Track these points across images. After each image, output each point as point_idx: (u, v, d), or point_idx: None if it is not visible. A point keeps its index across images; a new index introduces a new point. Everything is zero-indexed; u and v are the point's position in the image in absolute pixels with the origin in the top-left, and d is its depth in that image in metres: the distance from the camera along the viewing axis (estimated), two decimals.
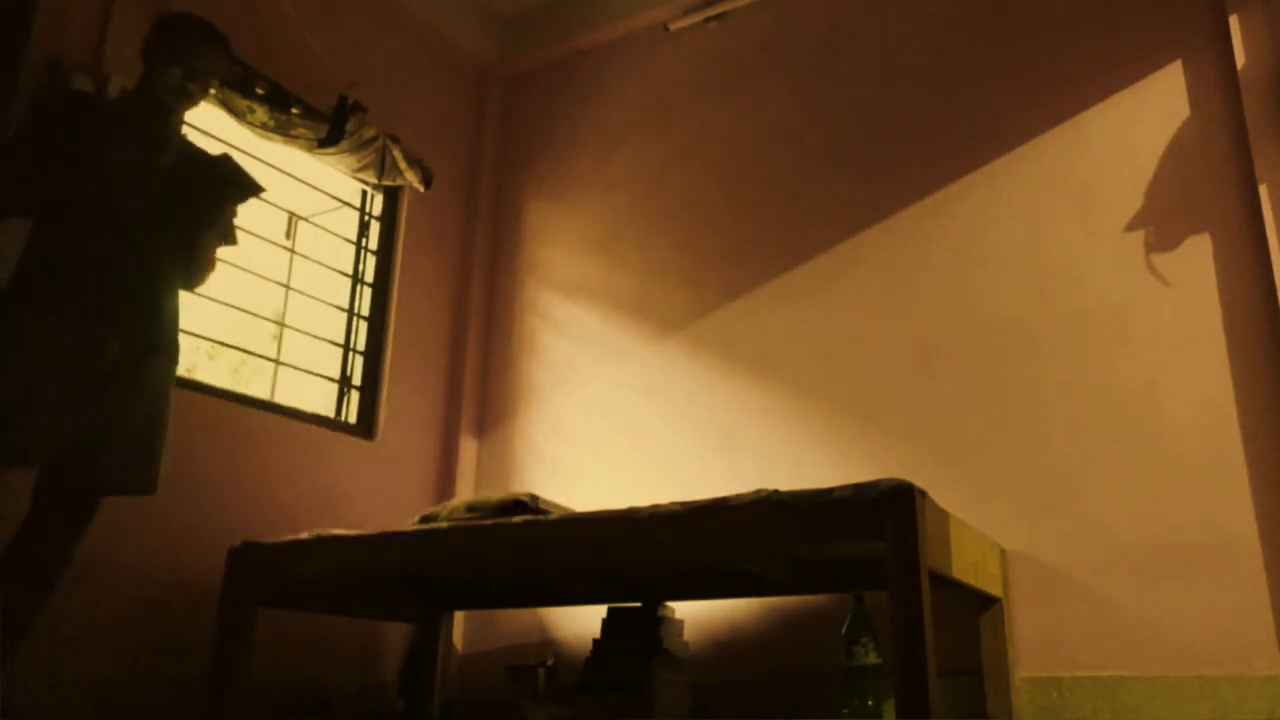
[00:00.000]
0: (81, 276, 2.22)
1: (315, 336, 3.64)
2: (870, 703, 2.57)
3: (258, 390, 3.40)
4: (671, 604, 2.97)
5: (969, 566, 2.39)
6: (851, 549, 2.31)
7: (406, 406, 3.80)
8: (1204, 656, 2.49)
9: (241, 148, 3.39)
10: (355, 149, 3.59)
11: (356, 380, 3.74)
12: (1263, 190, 2.67)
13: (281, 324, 3.52)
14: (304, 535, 2.84)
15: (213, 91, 3.20)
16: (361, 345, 3.78)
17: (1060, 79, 3.11)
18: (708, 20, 3.92)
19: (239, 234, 2.56)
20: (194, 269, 2.47)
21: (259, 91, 3.30)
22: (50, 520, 2.21)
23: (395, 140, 3.74)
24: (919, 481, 2.08)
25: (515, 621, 3.55)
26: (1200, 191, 2.81)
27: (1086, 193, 2.98)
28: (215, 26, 2.48)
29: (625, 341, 3.72)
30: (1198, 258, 2.77)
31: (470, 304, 4.11)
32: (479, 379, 4.06)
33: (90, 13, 2.93)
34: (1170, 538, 2.60)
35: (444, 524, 2.73)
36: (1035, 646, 2.69)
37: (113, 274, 2.27)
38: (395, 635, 3.55)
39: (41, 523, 2.20)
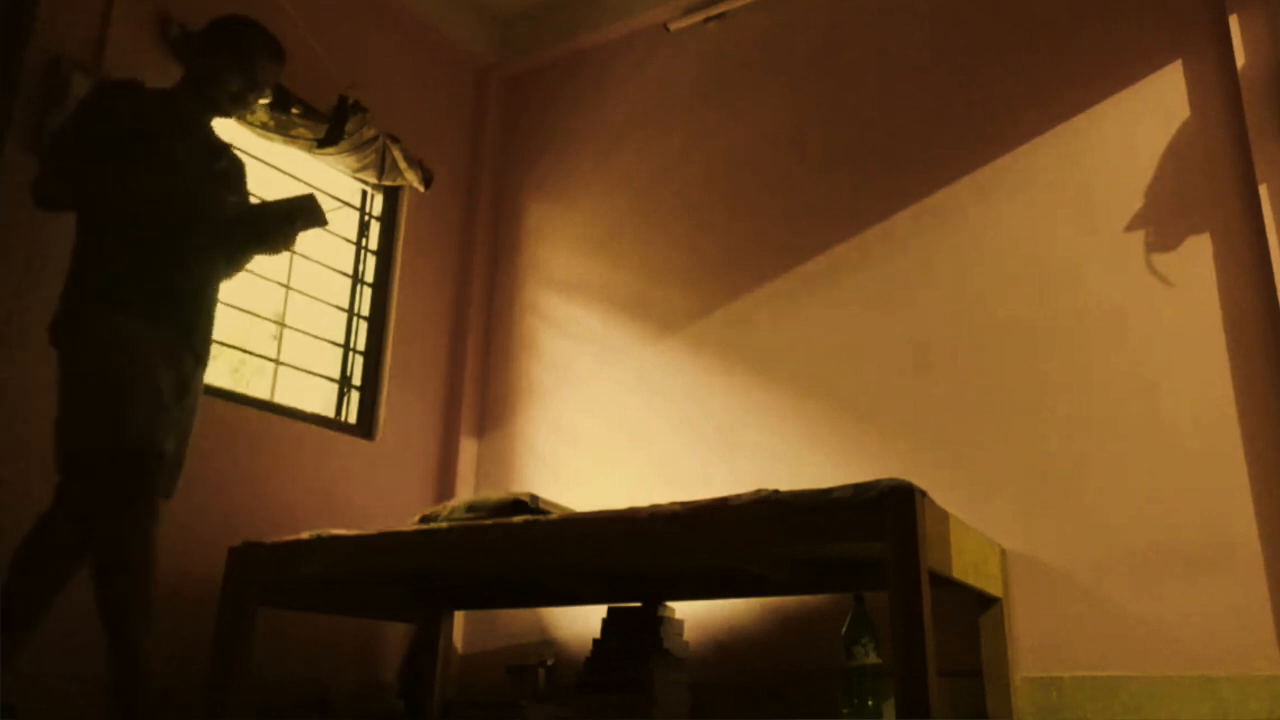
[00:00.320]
0: (163, 284, 2.20)
1: (315, 336, 3.64)
2: (870, 703, 2.57)
3: (258, 390, 3.40)
4: (671, 604, 2.97)
5: (969, 566, 2.39)
6: (851, 549, 2.31)
7: (406, 406, 3.80)
8: (1204, 656, 2.49)
9: (242, 147, 3.39)
10: (355, 149, 3.59)
11: (356, 380, 3.74)
12: (1263, 190, 2.67)
13: (281, 324, 3.52)
14: (304, 535, 2.84)
15: None
16: (361, 345, 3.78)
17: (1060, 80, 3.11)
18: (708, 20, 3.92)
19: None
20: (228, 276, 2.47)
21: None
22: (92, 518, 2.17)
23: (395, 140, 3.74)
24: (919, 481, 2.08)
25: (515, 621, 3.55)
26: (1200, 191, 2.81)
27: (1086, 193, 2.98)
28: (279, 42, 2.46)
29: (625, 341, 3.72)
30: (1198, 258, 2.77)
31: (470, 304, 4.11)
32: (479, 379, 4.06)
33: (90, 13, 2.93)
34: (1170, 538, 2.60)
35: (444, 524, 2.73)
36: (1035, 646, 2.69)
37: (186, 282, 2.26)
38: (395, 635, 3.55)
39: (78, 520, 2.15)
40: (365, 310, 3.82)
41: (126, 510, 2.07)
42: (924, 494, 2.06)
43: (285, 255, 3.53)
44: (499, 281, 4.20)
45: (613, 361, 3.73)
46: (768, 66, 3.75)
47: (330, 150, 3.52)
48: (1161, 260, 2.82)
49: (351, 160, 3.61)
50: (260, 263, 3.44)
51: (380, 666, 3.51)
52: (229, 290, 3.29)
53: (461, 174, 4.27)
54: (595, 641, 2.93)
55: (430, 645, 3.40)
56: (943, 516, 2.22)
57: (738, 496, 2.25)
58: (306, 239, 3.63)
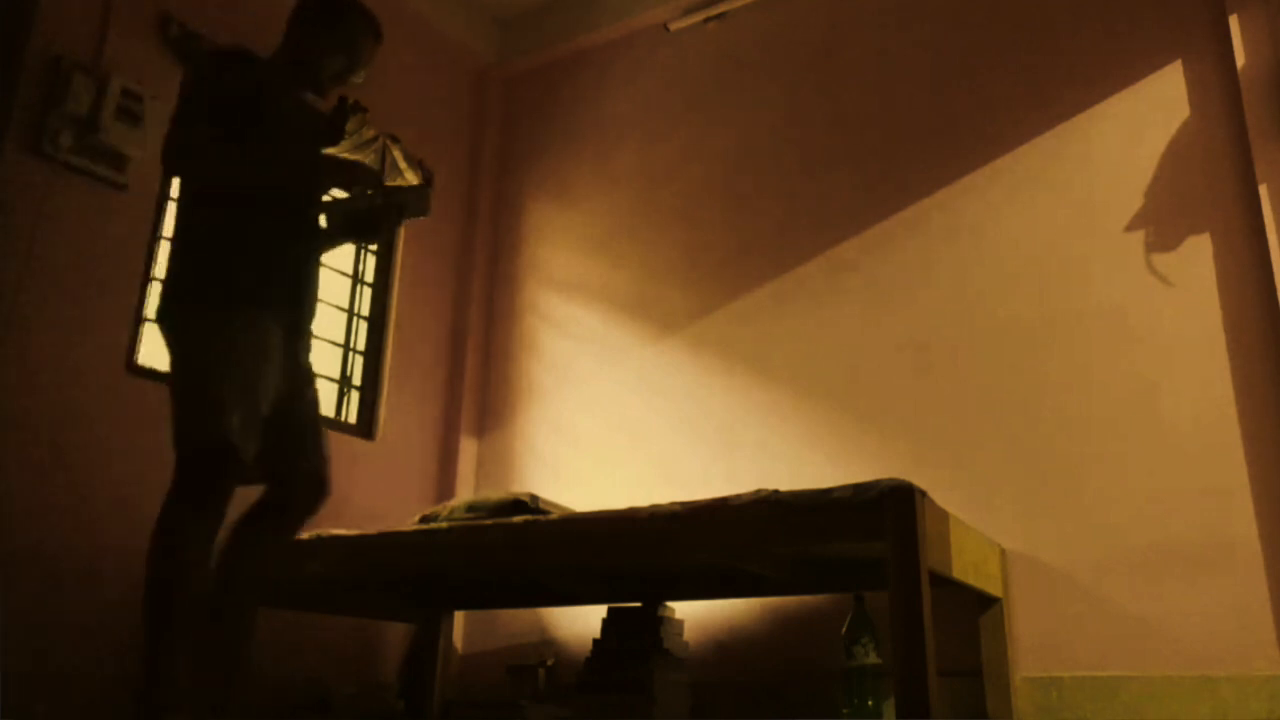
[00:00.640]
0: (275, 270, 2.13)
1: (315, 336, 3.63)
2: (870, 703, 2.57)
3: None
4: (671, 604, 2.97)
5: (969, 566, 2.39)
6: (851, 549, 2.31)
7: (406, 406, 3.80)
8: (1204, 656, 2.49)
9: None
10: (355, 149, 3.59)
11: (356, 380, 3.74)
12: (1263, 190, 2.67)
13: None
14: (304, 535, 2.84)
15: None
16: (361, 345, 3.78)
17: (1060, 80, 3.11)
18: (708, 20, 3.92)
19: None
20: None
21: None
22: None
23: (395, 140, 3.74)
24: (919, 481, 2.08)
25: (515, 621, 3.55)
26: (1200, 191, 2.81)
27: (1086, 193, 2.98)
28: (378, 20, 2.38)
29: (625, 341, 3.72)
30: (1198, 258, 2.77)
31: (470, 304, 4.11)
32: (479, 379, 4.06)
33: (90, 13, 2.93)
34: (1170, 538, 2.60)
35: (444, 524, 2.73)
36: (1035, 646, 2.69)
37: (297, 267, 2.20)
38: (395, 635, 3.55)
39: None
40: (365, 310, 3.82)
41: (193, 501, 2.01)
42: (924, 494, 2.06)
43: None
44: (499, 281, 4.20)
45: (613, 361, 3.73)
46: (768, 66, 3.75)
47: (330, 150, 3.51)
48: (1161, 260, 2.82)
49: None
50: None
51: (380, 666, 3.51)
52: None
53: (461, 174, 4.27)
54: (595, 641, 2.93)
55: (430, 645, 3.40)
56: (943, 516, 2.22)
57: (738, 496, 2.25)
58: None
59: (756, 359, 3.40)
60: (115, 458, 2.83)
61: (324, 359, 3.69)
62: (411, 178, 3.81)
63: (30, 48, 2.75)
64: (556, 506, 2.85)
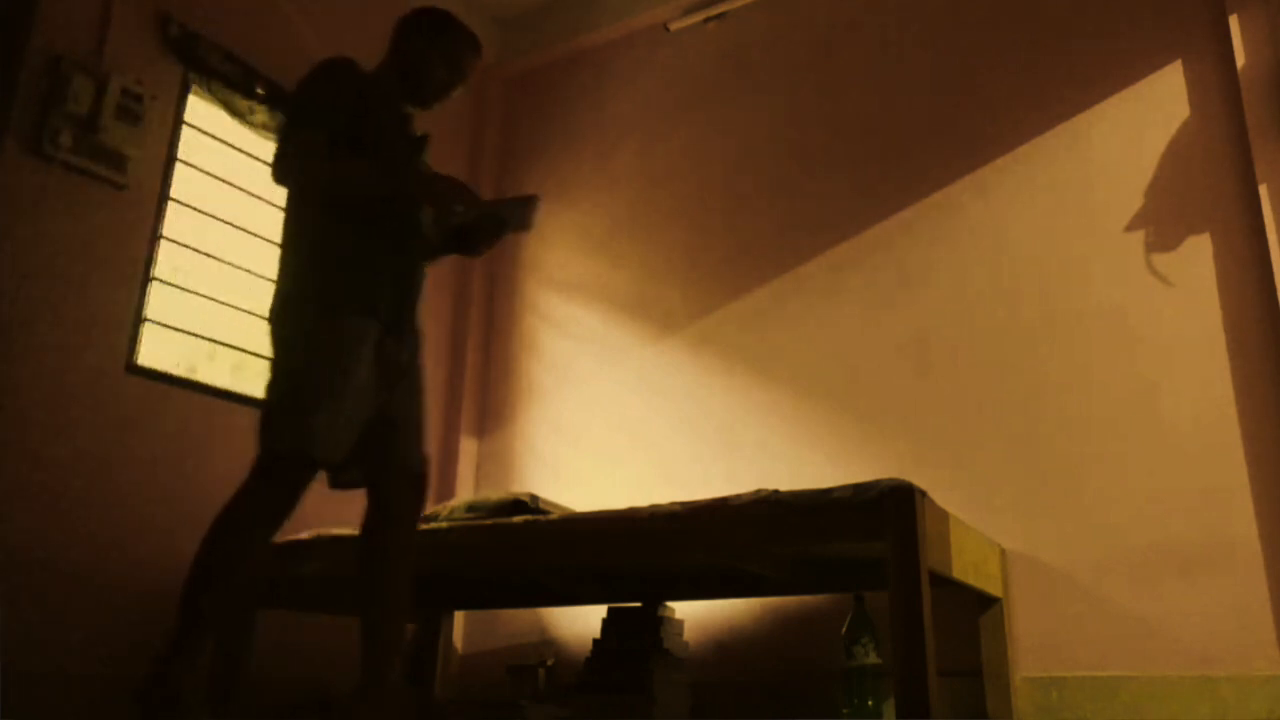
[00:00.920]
0: (383, 280, 2.17)
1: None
2: (870, 703, 2.57)
3: (258, 390, 3.39)
4: (671, 604, 2.97)
5: (969, 566, 2.39)
6: (851, 549, 2.31)
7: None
8: (1204, 656, 2.49)
9: (242, 147, 3.39)
10: None
11: None
12: (1263, 190, 2.67)
13: None
14: (304, 535, 2.85)
15: (213, 91, 3.21)
16: None
17: (1060, 80, 3.11)
18: (708, 20, 3.92)
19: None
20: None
21: (259, 91, 3.30)
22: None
23: None
24: (919, 481, 2.08)
25: (515, 621, 3.55)
26: (1200, 191, 2.81)
27: (1086, 193, 2.98)
28: (476, 35, 2.42)
29: (625, 341, 3.72)
30: (1198, 258, 2.77)
31: (470, 304, 4.11)
32: (479, 379, 4.06)
33: (90, 13, 2.93)
34: (1170, 538, 2.60)
35: (444, 524, 2.73)
36: (1035, 646, 2.69)
37: (405, 276, 2.23)
38: None
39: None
40: None
41: (263, 498, 2.06)
42: (924, 494, 2.06)
43: None
44: (499, 281, 4.20)
45: (613, 361, 3.73)
46: (768, 67, 3.75)
47: None
48: (1161, 260, 2.82)
49: None
50: (260, 263, 3.44)
51: None
52: (229, 291, 3.30)
53: (461, 174, 4.25)
54: (595, 641, 2.93)
55: (430, 645, 3.40)
56: (943, 516, 2.22)
57: (738, 496, 2.25)
58: None
59: (756, 359, 3.40)
60: (115, 458, 2.83)
61: None
62: None
63: (30, 48, 2.75)
64: (556, 506, 2.85)
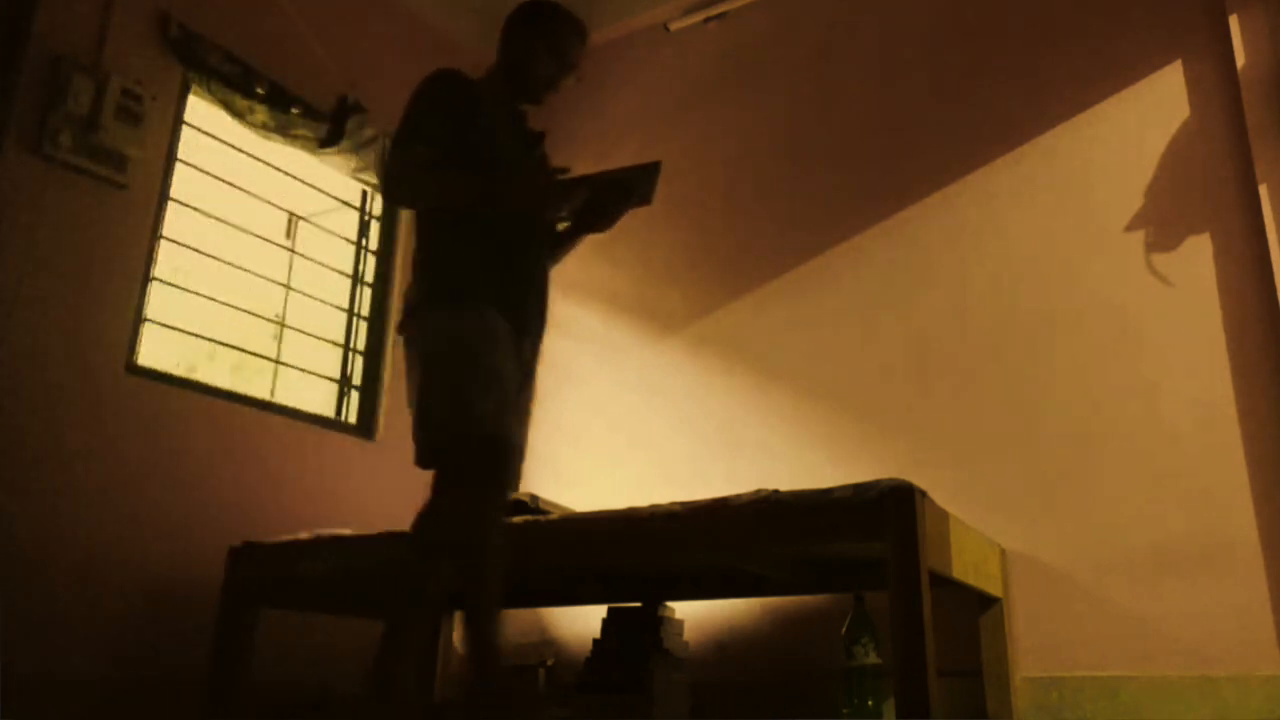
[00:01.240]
0: (510, 274, 2.17)
1: (315, 336, 3.64)
2: (870, 703, 2.57)
3: (258, 390, 3.40)
4: (671, 604, 2.97)
5: (969, 566, 2.39)
6: (851, 549, 2.31)
7: (406, 407, 3.79)
8: (1204, 656, 2.48)
9: (242, 148, 3.39)
10: (355, 149, 3.59)
11: (356, 380, 3.74)
12: (1263, 190, 2.67)
13: (281, 324, 3.52)
14: (304, 535, 2.85)
15: (213, 91, 3.21)
16: (361, 345, 3.78)
17: (1060, 80, 3.11)
18: (708, 20, 3.92)
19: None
20: (555, 261, 2.41)
21: (259, 91, 3.30)
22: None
23: None
24: (919, 481, 2.08)
25: (515, 621, 3.55)
26: (1200, 191, 2.81)
27: (1086, 193, 2.98)
28: (582, 21, 2.40)
29: (625, 341, 3.72)
30: (1198, 258, 2.77)
31: None
32: None
33: (90, 13, 2.93)
34: (1170, 538, 2.60)
35: None
36: (1035, 646, 2.68)
37: (529, 270, 2.24)
38: None
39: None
40: (365, 310, 3.82)
41: (479, 498, 2.04)
42: (924, 494, 2.06)
43: (285, 255, 3.54)
44: None
45: (613, 361, 3.72)
46: (768, 66, 3.75)
47: (330, 150, 3.52)
48: (1161, 260, 2.82)
49: (352, 160, 3.61)
50: (260, 263, 3.45)
51: None
52: (228, 291, 3.30)
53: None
54: (595, 641, 2.93)
55: (430, 645, 3.39)
56: (943, 516, 2.22)
57: (738, 496, 2.24)
58: (306, 239, 3.65)
59: (756, 359, 3.40)
60: (115, 458, 2.83)
61: (324, 359, 3.69)
62: None
63: (30, 48, 2.75)
64: (556, 506, 2.85)
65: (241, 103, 3.25)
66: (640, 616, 2.89)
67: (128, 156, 2.92)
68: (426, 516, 2.03)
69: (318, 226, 3.72)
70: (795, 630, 3.02)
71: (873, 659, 2.62)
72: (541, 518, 2.59)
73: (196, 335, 3.19)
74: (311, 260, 3.64)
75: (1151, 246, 2.84)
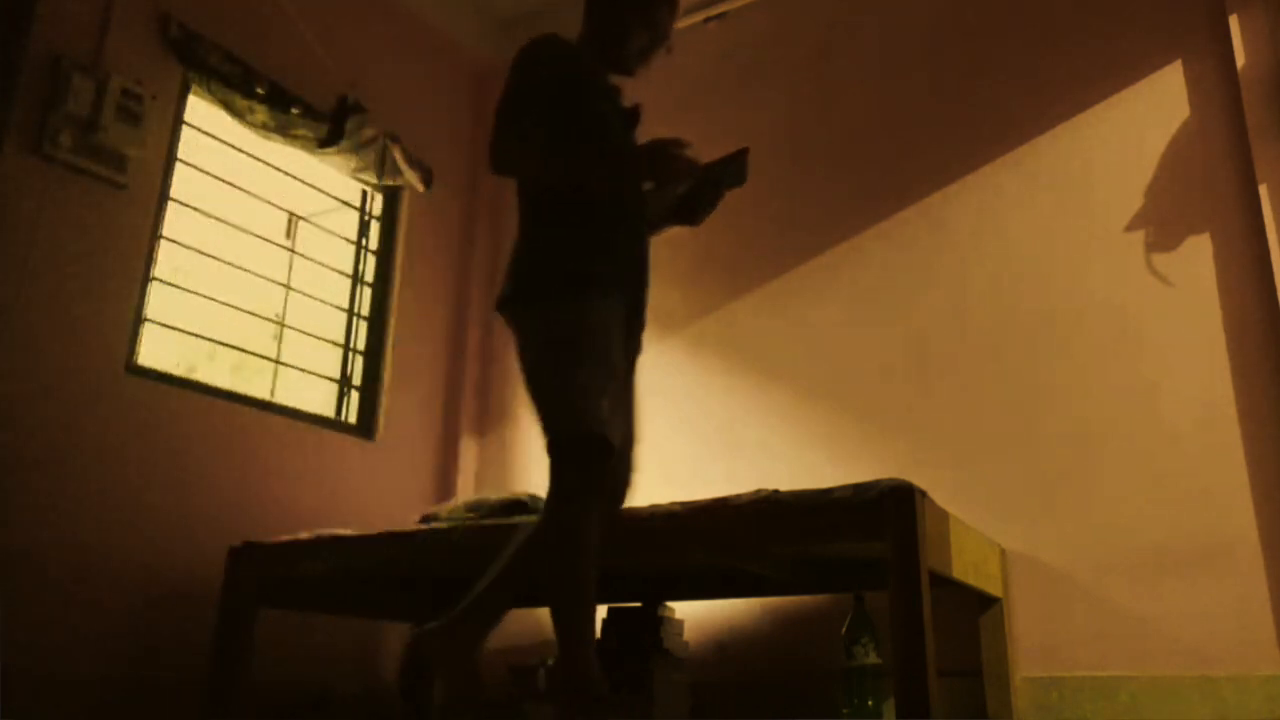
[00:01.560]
0: (617, 256, 2.09)
1: (315, 336, 3.64)
2: (870, 703, 2.57)
3: (258, 390, 3.40)
4: (671, 604, 2.97)
5: (969, 566, 2.39)
6: (851, 549, 2.31)
7: (406, 406, 3.80)
8: (1204, 656, 2.49)
9: (242, 148, 3.39)
10: (355, 149, 3.59)
11: (356, 380, 3.74)
12: (1263, 190, 2.67)
13: (281, 324, 3.52)
14: (304, 535, 2.85)
15: (213, 91, 3.21)
16: (361, 345, 3.78)
17: (1060, 80, 3.11)
18: (708, 20, 3.92)
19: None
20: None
21: (259, 91, 3.30)
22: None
23: (395, 140, 3.74)
24: (919, 481, 2.08)
25: (515, 621, 3.53)
26: (1200, 191, 2.81)
27: (1086, 193, 2.98)
28: None
29: None
30: (1198, 258, 2.77)
31: (470, 304, 4.11)
32: (479, 379, 4.05)
33: (90, 13, 2.93)
34: (1170, 538, 2.60)
35: (444, 524, 2.73)
36: (1035, 646, 2.68)
37: (635, 252, 2.16)
38: (395, 635, 3.54)
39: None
40: (365, 310, 3.82)
41: (580, 493, 1.97)
42: (924, 494, 2.06)
43: (285, 255, 3.54)
44: (499, 282, 4.17)
45: None
46: (767, 66, 3.75)
47: (330, 150, 3.52)
48: (1161, 260, 2.82)
49: (352, 160, 3.61)
50: (260, 263, 3.44)
51: (380, 667, 3.51)
52: (228, 291, 3.29)
53: (461, 174, 4.26)
54: (595, 641, 2.92)
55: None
56: (943, 516, 2.22)
57: (738, 496, 2.24)
58: (306, 239, 3.65)
59: (756, 359, 3.40)
60: (115, 458, 2.83)
61: (324, 359, 3.69)
62: (412, 177, 3.80)
63: (30, 48, 2.74)
64: None
65: (241, 103, 3.25)
66: (640, 616, 2.89)
67: (128, 156, 2.92)
68: (549, 519, 1.97)
69: (318, 226, 3.72)
70: (795, 630, 3.02)
71: (873, 659, 2.62)
72: None
73: (196, 335, 3.19)
74: (311, 260, 3.64)
75: (1151, 246, 2.84)
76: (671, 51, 2.34)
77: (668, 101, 3.95)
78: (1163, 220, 2.84)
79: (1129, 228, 2.88)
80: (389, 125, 3.74)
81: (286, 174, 3.57)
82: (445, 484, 3.84)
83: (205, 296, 3.21)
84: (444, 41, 4.24)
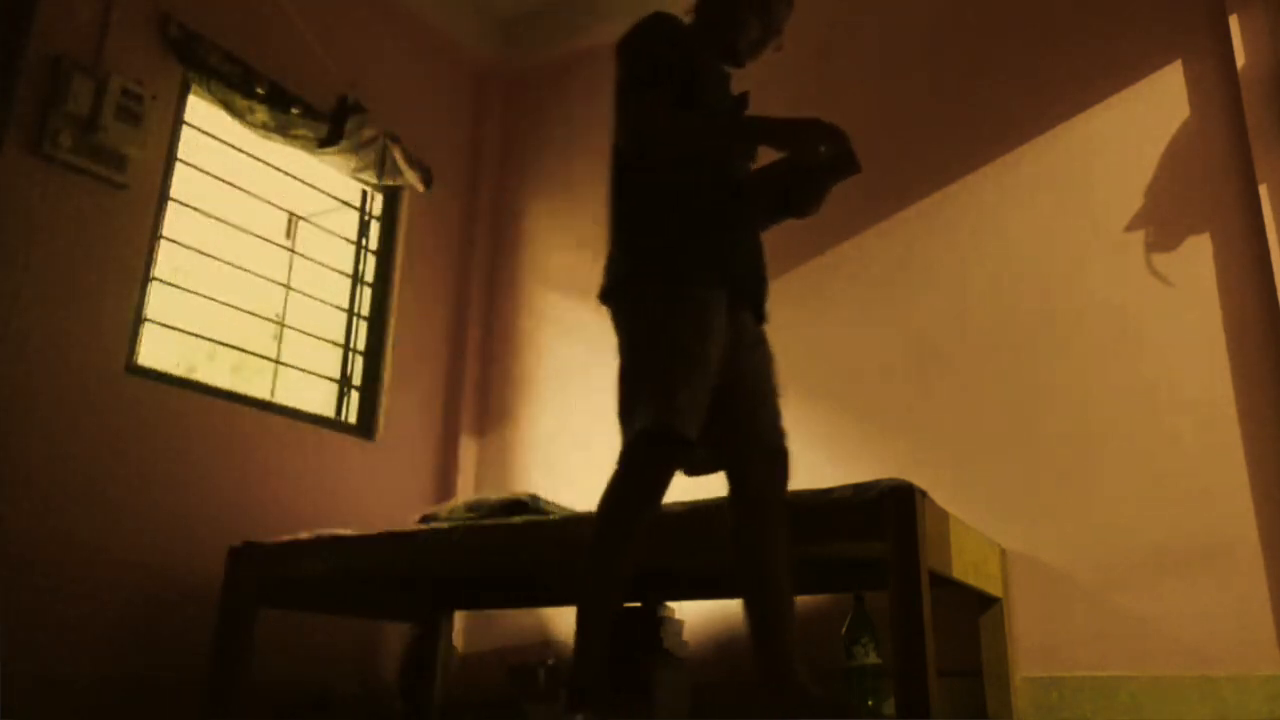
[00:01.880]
0: (724, 245, 2.05)
1: (315, 336, 3.64)
2: (870, 703, 2.57)
3: (258, 390, 3.40)
4: (671, 604, 2.97)
5: (969, 566, 2.39)
6: (851, 549, 2.31)
7: (406, 406, 3.80)
8: (1204, 656, 2.49)
9: (242, 148, 3.39)
10: (355, 149, 3.59)
11: (356, 380, 3.74)
12: (1263, 190, 2.67)
13: (281, 324, 3.52)
14: (304, 535, 2.85)
15: (213, 91, 3.21)
16: (361, 345, 3.78)
17: (1060, 80, 3.11)
18: None
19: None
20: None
21: (259, 91, 3.30)
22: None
23: (395, 140, 3.74)
24: (919, 481, 2.07)
25: (515, 621, 3.55)
26: (1200, 191, 2.81)
27: (1086, 193, 2.98)
28: None
29: None
30: (1198, 258, 2.77)
31: (470, 304, 4.11)
32: (479, 379, 4.05)
33: (90, 13, 2.93)
34: (1170, 538, 2.60)
35: (444, 524, 2.73)
36: (1035, 646, 2.69)
37: (744, 240, 2.11)
38: (395, 635, 3.55)
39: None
40: (365, 310, 3.82)
41: (635, 493, 1.95)
42: (924, 494, 2.06)
43: (285, 255, 3.54)
44: (499, 281, 4.19)
45: (613, 362, 3.71)
46: (767, 66, 3.73)
47: (330, 150, 3.52)
48: (1161, 260, 2.82)
49: (351, 160, 3.61)
50: (260, 263, 3.44)
51: (380, 666, 3.51)
52: (228, 291, 3.29)
53: (461, 174, 4.26)
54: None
55: (430, 645, 3.39)
56: (943, 516, 2.22)
57: None
58: (306, 239, 3.65)
59: None
60: (115, 458, 2.83)
61: (324, 359, 3.69)
62: (411, 177, 3.80)
63: (30, 48, 2.75)
64: (556, 506, 2.85)
65: (241, 103, 3.25)
66: (640, 616, 2.89)
67: (128, 156, 2.92)
68: (599, 513, 1.94)
69: (318, 226, 3.72)
70: (795, 630, 3.01)
71: (873, 659, 2.62)
72: (541, 518, 2.59)
73: (196, 335, 3.19)
74: (311, 260, 3.64)
75: (1151, 246, 2.84)
76: (782, 48, 2.31)
77: None
78: (1163, 220, 2.84)
79: (1129, 228, 2.88)
80: (389, 125, 3.74)
81: (286, 174, 3.57)
82: (445, 484, 3.84)
83: (205, 296, 3.21)
84: (444, 41, 4.24)
